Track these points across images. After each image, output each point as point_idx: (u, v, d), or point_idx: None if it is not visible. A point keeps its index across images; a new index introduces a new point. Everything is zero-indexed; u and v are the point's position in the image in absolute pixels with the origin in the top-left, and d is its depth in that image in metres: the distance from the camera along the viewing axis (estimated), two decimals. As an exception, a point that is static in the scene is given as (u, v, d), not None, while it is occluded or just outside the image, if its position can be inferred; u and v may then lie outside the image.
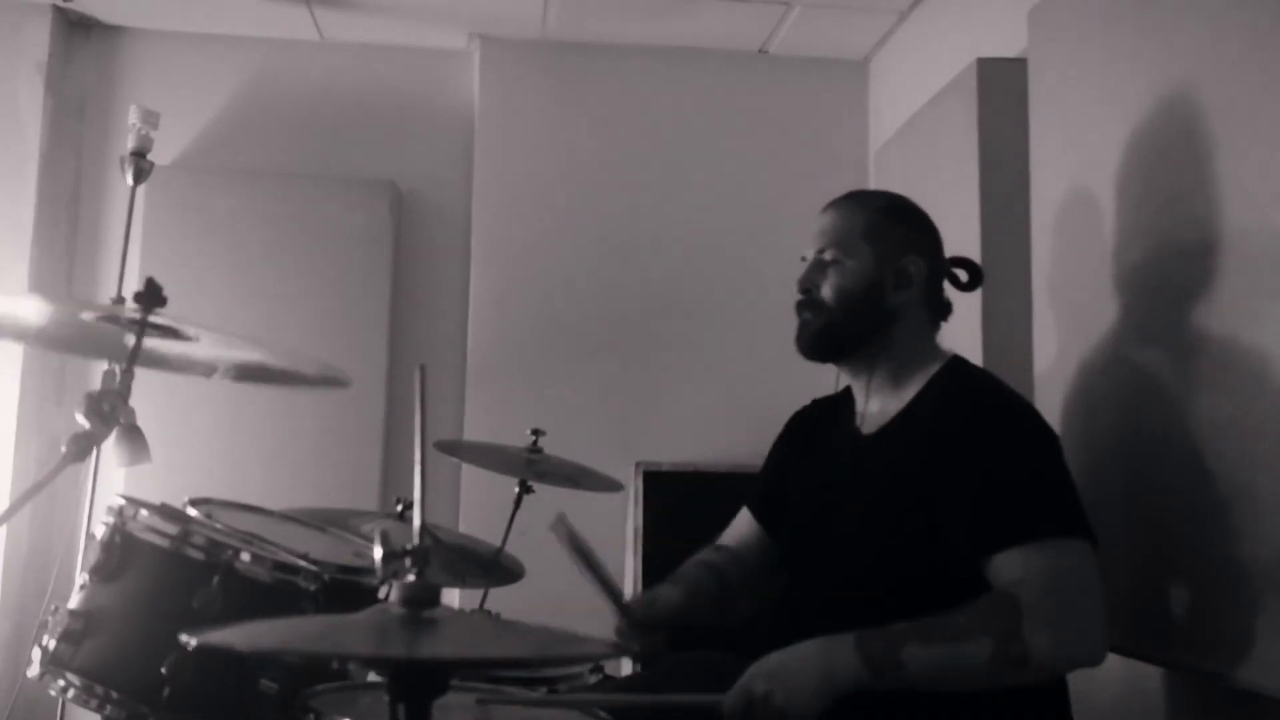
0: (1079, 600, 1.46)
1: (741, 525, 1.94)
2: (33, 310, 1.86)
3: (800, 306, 1.74)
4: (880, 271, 1.69)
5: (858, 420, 1.76)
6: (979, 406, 1.60)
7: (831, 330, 1.71)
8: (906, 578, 1.55)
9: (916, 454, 1.59)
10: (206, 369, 1.89)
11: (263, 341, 1.73)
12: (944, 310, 1.77)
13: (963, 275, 1.80)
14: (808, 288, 1.73)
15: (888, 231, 1.71)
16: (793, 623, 1.65)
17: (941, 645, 1.42)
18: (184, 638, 0.96)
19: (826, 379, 1.88)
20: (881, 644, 1.43)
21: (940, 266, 1.77)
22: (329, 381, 1.91)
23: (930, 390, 1.67)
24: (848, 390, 1.83)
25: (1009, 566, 1.46)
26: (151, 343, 1.69)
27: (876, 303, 1.69)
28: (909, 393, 1.69)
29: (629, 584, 3.27)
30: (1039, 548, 1.46)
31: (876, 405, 1.74)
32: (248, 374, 1.91)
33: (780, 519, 1.86)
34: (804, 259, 1.76)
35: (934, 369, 1.69)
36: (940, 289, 1.77)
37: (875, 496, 1.63)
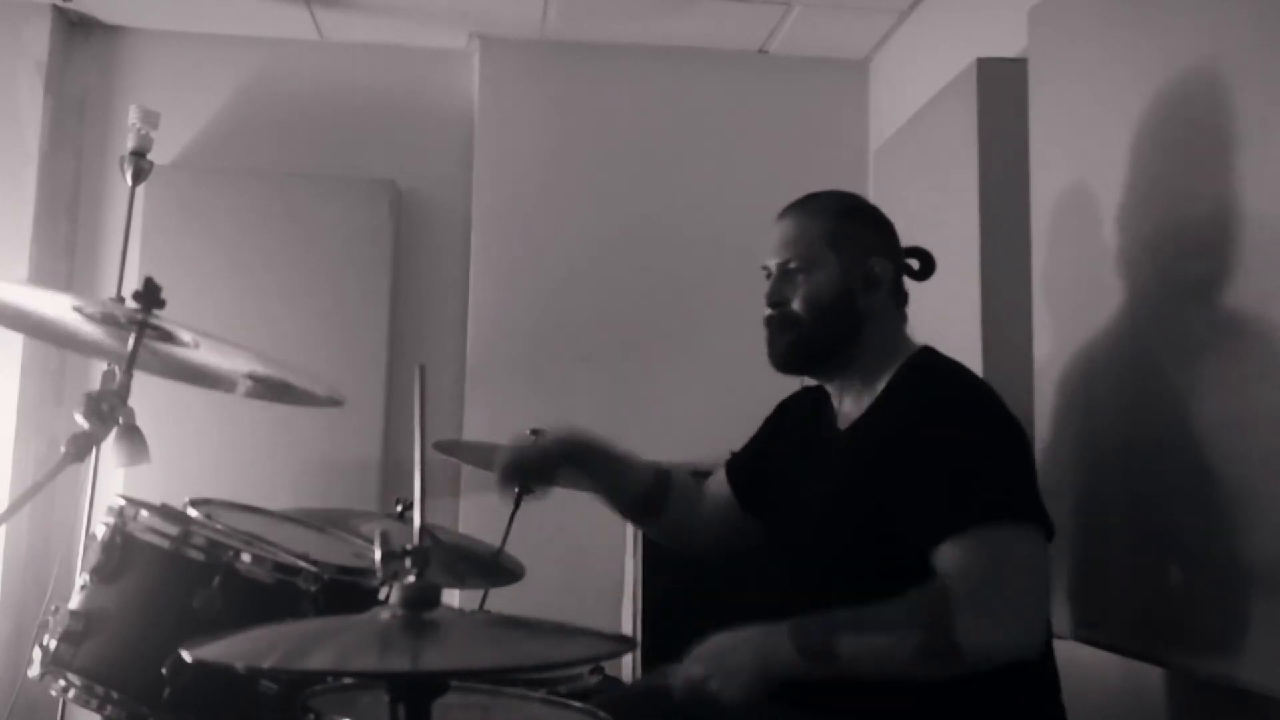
0: (1011, 591, 1.47)
1: (715, 483, 1.97)
2: (37, 303, 1.85)
3: (771, 321, 1.73)
4: (848, 277, 1.69)
5: (835, 415, 1.77)
6: (931, 395, 1.61)
7: (807, 342, 1.70)
8: (872, 569, 1.56)
9: (880, 445, 1.60)
10: (228, 384, 1.88)
11: (266, 353, 1.73)
12: (905, 300, 1.78)
13: (914, 264, 1.80)
14: (778, 301, 1.72)
15: (850, 235, 1.71)
16: (779, 615, 1.66)
17: (872, 635, 1.45)
18: (183, 652, 0.95)
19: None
20: (816, 633, 1.46)
21: (901, 261, 1.77)
22: (329, 402, 1.91)
23: (896, 381, 1.67)
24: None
25: (946, 556, 1.47)
26: (162, 351, 1.69)
27: (848, 309, 1.69)
28: (879, 386, 1.69)
29: (629, 584, 3.26)
30: (976, 537, 1.47)
31: (851, 401, 1.74)
32: (263, 391, 1.90)
33: (754, 497, 1.89)
34: (765, 269, 1.75)
35: (900, 362, 1.69)
36: (902, 282, 1.77)
37: (843, 489, 1.64)
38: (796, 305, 1.70)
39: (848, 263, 1.69)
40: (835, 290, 1.69)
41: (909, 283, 1.80)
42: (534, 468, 1.88)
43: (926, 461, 1.52)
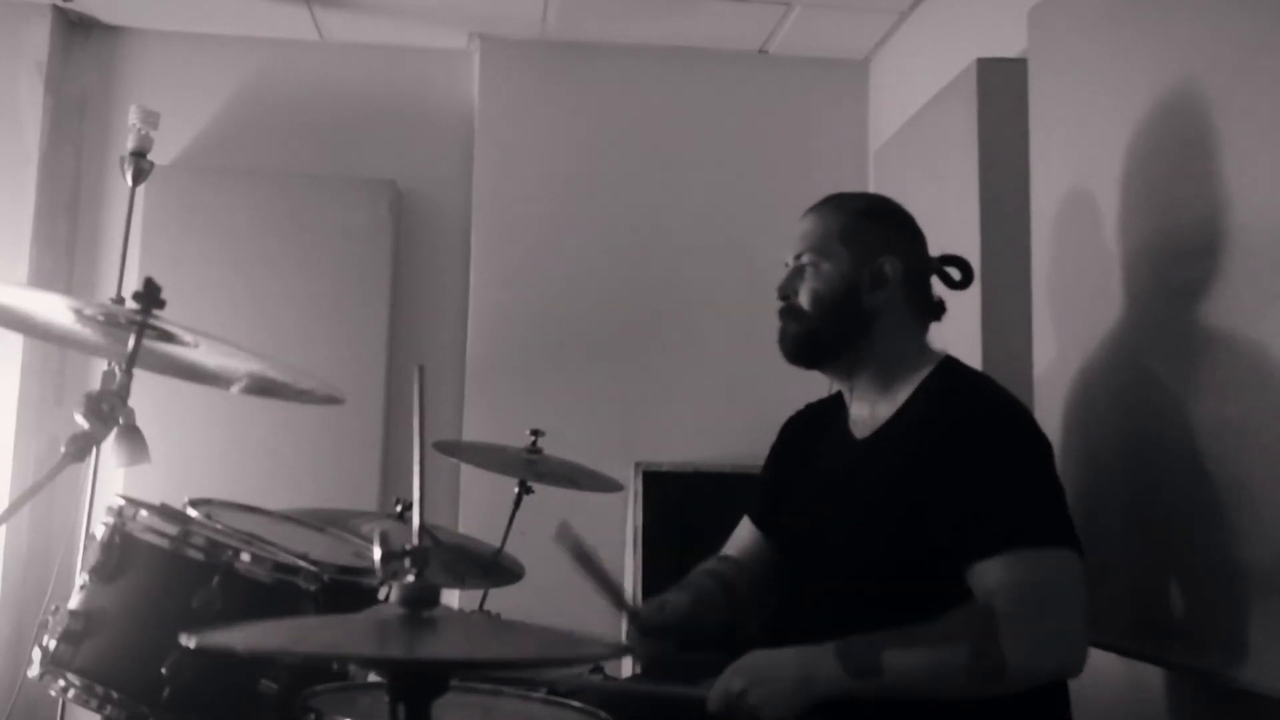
0: (1056, 611, 1.46)
1: (743, 534, 1.94)
2: (36, 305, 1.85)
3: (780, 312, 1.75)
4: (856, 274, 1.69)
5: (850, 424, 1.76)
6: (968, 411, 1.60)
7: (811, 335, 1.71)
8: (899, 583, 1.55)
9: (908, 459, 1.59)
10: (224, 381, 1.88)
11: (265, 354, 1.73)
12: (933, 310, 1.76)
13: (955, 274, 1.79)
14: (787, 294, 1.73)
15: (864, 233, 1.71)
16: (789, 628, 1.66)
17: (919, 651, 1.43)
18: (184, 638, 0.96)
19: (825, 380, 1.88)
20: (861, 648, 1.44)
21: (923, 265, 1.76)
22: (328, 399, 1.90)
23: (922, 393, 1.66)
24: (840, 394, 1.82)
25: (988, 575, 1.47)
26: (161, 349, 1.69)
27: (854, 305, 1.69)
28: (900, 396, 1.68)
29: (629, 584, 3.27)
30: (1019, 557, 1.47)
31: (867, 409, 1.73)
32: (260, 388, 1.90)
33: (778, 525, 1.86)
34: (786, 265, 1.76)
35: (925, 371, 1.68)
36: (925, 288, 1.76)
37: (869, 502, 1.63)
38: (802, 298, 1.71)
39: (857, 260, 1.69)
40: (841, 286, 1.69)
41: (950, 293, 1.79)
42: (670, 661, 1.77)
43: (967, 478, 1.51)
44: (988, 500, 1.50)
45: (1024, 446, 1.57)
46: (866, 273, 1.69)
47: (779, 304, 1.75)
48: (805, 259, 1.72)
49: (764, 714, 1.43)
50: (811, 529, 1.71)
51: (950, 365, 1.70)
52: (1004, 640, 1.41)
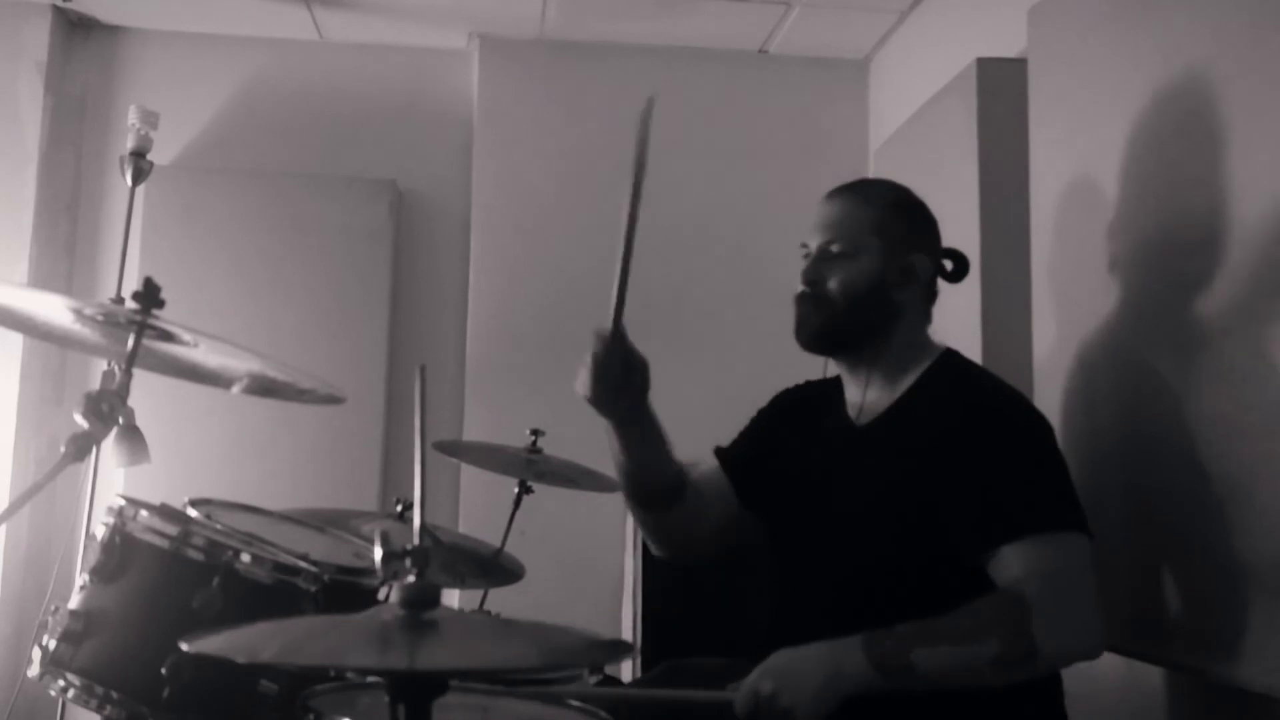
0: (1079, 595, 1.47)
1: (707, 474, 1.88)
2: (36, 305, 1.85)
3: (802, 299, 1.71)
4: (887, 269, 1.68)
5: (851, 410, 1.75)
6: (976, 401, 1.60)
7: (836, 326, 1.69)
8: (905, 571, 1.55)
9: (914, 448, 1.59)
10: (224, 381, 1.88)
11: (265, 354, 1.72)
12: (934, 299, 1.77)
13: (948, 265, 1.80)
14: (814, 280, 1.70)
15: (896, 228, 1.70)
16: (791, 615, 1.65)
17: (949, 646, 1.43)
18: (183, 645, 0.95)
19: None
20: (890, 645, 1.43)
21: (939, 262, 1.77)
22: (329, 399, 1.90)
23: (925, 384, 1.66)
24: (838, 378, 1.81)
25: (1012, 561, 1.47)
26: (160, 349, 1.69)
27: (882, 299, 1.68)
28: (903, 386, 1.68)
29: (629, 584, 3.26)
30: (1041, 542, 1.48)
31: (870, 397, 1.73)
32: (261, 388, 1.90)
33: (755, 491, 1.84)
34: (805, 247, 1.73)
35: (927, 362, 1.69)
36: (935, 283, 1.77)
37: (873, 490, 1.62)
38: (832, 287, 1.68)
39: (889, 254, 1.68)
40: (872, 280, 1.68)
41: (949, 288, 1.79)
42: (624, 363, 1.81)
43: (980, 468, 1.51)
44: (1008, 488, 1.50)
45: (1032, 433, 1.58)
46: (896, 268, 1.68)
47: (800, 289, 1.71)
48: (836, 247, 1.69)
49: (797, 715, 1.42)
50: (810, 515, 1.70)
51: (952, 358, 1.71)
52: (1035, 628, 1.42)
